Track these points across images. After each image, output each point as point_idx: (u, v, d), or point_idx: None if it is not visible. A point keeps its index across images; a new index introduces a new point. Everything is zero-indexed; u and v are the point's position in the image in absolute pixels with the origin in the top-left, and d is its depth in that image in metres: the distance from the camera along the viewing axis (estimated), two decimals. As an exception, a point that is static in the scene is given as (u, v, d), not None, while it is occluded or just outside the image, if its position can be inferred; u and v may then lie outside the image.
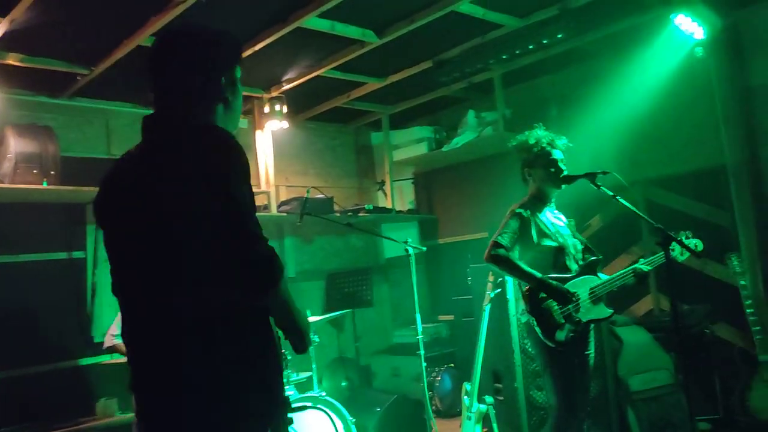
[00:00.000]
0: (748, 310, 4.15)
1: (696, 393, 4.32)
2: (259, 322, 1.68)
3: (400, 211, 6.44)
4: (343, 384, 5.76)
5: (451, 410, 5.46)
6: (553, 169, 3.19)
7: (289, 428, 3.23)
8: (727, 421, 4.25)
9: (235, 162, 1.62)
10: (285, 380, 1.83)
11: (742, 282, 4.21)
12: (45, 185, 4.32)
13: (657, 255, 3.07)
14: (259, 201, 5.61)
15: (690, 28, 4.13)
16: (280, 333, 1.77)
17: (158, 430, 1.69)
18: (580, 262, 3.21)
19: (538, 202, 3.25)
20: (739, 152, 4.60)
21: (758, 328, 4.10)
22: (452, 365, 5.80)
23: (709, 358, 4.32)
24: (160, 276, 1.64)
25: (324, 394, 3.70)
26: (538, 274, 3.01)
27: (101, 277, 4.80)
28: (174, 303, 1.62)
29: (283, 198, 5.80)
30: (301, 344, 1.75)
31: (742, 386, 4.10)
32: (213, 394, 1.59)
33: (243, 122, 5.83)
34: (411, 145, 6.23)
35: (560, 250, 3.16)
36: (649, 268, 3.10)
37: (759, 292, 4.46)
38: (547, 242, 3.15)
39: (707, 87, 4.69)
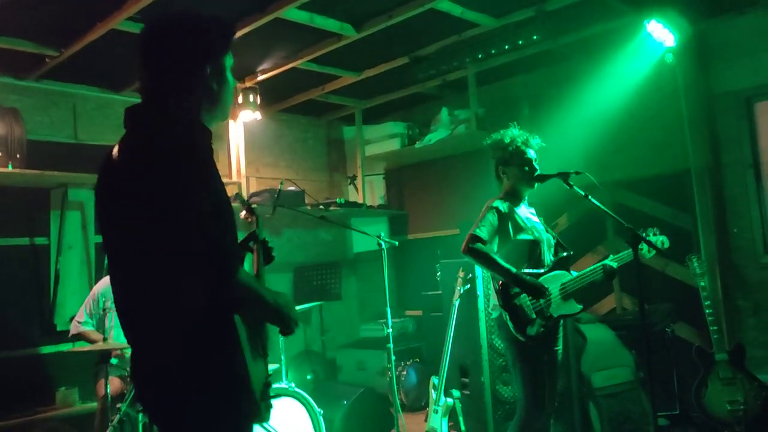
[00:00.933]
0: (706, 311, 4.27)
1: (656, 390, 4.45)
2: (217, 316, 1.66)
3: (370, 206, 6.45)
4: (309, 377, 5.76)
5: (416, 404, 5.52)
6: (527, 168, 3.24)
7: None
8: (683, 418, 4.39)
9: (190, 162, 1.61)
10: (263, 370, 1.82)
11: (702, 283, 4.33)
12: (10, 168, 4.21)
13: (624, 252, 3.15)
14: (229, 192, 5.53)
15: (661, 34, 4.25)
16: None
17: (150, 416, 1.79)
18: (552, 258, 3.28)
19: (513, 199, 3.29)
20: (702, 157, 4.75)
21: (715, 327, 4.23)
22: (418, 360, 5.85)
23: (669, 356, 4.45)
24: (129, 271, 1.69)
25: (293, 385, 3.70)
26: (513, 269, 3.05)
27: (65, 265, 4.70)
28: (140, 298, 1.67)
29: (254, 189, 5.76)
30: (284, 327, 1.78)
31: (698, 384, 4.23)
32: (180, 385, 1.64)
33: (215, 111, 5.77)
34: (383, 140, 6.25)
35: (536, 244, 3.21)
36: (617, 264, 3.16)
37: (717, 293, 4.63)
38: (523, 236, 3.20)
39: (674, 93, 4.83)
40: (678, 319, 4.75)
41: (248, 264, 1.96)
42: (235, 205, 2.17)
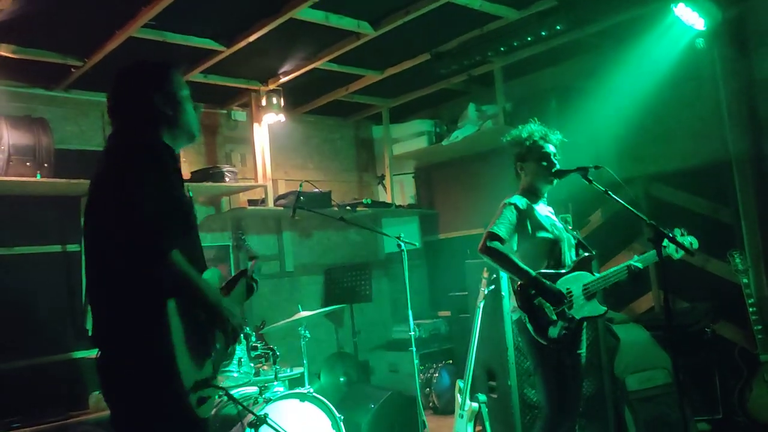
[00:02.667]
0: (750, 309, 4.06)
1: (696, 393, 4.24)
2: (149, 303, 1.85)
3: (400, 206, 6.37)
4: (342, 380, 5.72)
5: (449, 407, 5.40)
6: (545, 163, 3.12)
7: (269, 419, 3.20)
8: (726, 422, 4.16)
9: (132, 162, 1.93)
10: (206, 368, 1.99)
11: (745, 280, 4.12)
12: (39, 177, 4.29)
13: (651, 252, 2.98)
14: (255, 195, 5.57)
15: (690, 18, 4.03)
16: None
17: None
18: (574, 258, 3.14)
19: (531, 195, 3.18)
20: (743, 147, 4.50)
21: (760, 327, 4.01)
22: (450, 362, 5.74)
23: (710, 357, 4.23)
24: (93, 272, 1.99)
25: (312, 390, 3.64)
26: (532, 272, 2.92)
27: (96, 270, 4.77)
28: (97, 295, 1.96)
29: (282, 191, 5.75)
30: (223, 327, 1.98)
31: (742, 386, 4.01)
32: (115, 367, 1.90)
33: (241, 115, 5.79)
34: (411, 138, 6.15)
35: (555, 243, 3.09)
36: (641, 265, 3.02)
37: (763, 290, 4.37)
38: (542, 234, 3.07)
39: (711, 80, 4.60)
40: (720, 318, 4.51)
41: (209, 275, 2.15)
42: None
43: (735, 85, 4.54)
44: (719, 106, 4.58)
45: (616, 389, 4.13)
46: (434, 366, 5.64)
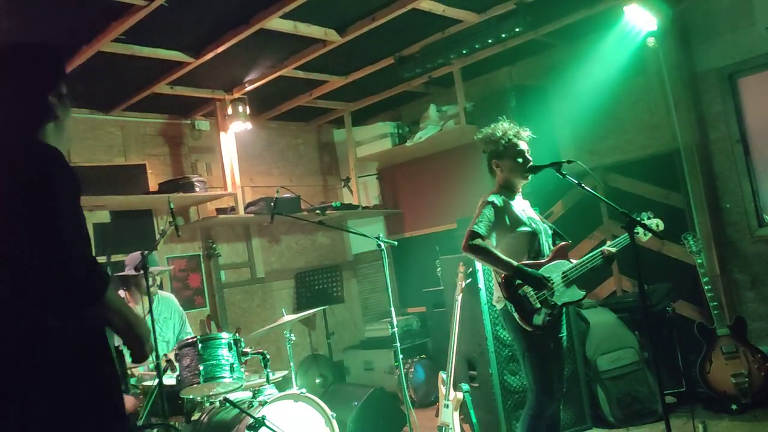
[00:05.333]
0: (705, 287, 4.34)
1: (661, 368, 4.51)
2: (91, 340, 1.65)
3: (366, 207, 6.49)
4: (317, 381, 5.80)
5: (426, 400, 5.57)
6: (520, 160, 3.28)
7: (267, 421, 3.26)
8: (690, 394, 4.45)
9: (54, 176, 1.59)
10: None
11: (699, 260, 4.40)
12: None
13: (622, 237, 3.20)
14: (225, 203, 5.59)
15: (642, 19, 4.29)
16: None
17: None
18: (551, 247, 3.32)
19: (508, 191, 3.33)
20: (690, 136, 4.81)
21: (715, 303, 4.30)
22: (424, 356, 5.90)
23: (672, 335, 4.51)
24: None
25: (304, 390, 3.73)
26: (515, 263, 3.09)
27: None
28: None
29: (249, 199, 5.78)
30: (140, 350, 1.74)
31: (702, 360, 4.30)
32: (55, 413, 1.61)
33: (205, 125, 5.79)
34: (374, 140, 6.28)
35: (535, 236, 3.25)
36: (615, 249, 3.22)
37: (714, 269, 4.69)
38: (521, 228, 3.23)
39: (658, 75, 4.89)
40: (678, 297, 4.82)
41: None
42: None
43: (679, 78, 4.85)
44: (666, 99, 4.88)
45: (588, 370, 4.36)
46: (409, 361, 5.78)
